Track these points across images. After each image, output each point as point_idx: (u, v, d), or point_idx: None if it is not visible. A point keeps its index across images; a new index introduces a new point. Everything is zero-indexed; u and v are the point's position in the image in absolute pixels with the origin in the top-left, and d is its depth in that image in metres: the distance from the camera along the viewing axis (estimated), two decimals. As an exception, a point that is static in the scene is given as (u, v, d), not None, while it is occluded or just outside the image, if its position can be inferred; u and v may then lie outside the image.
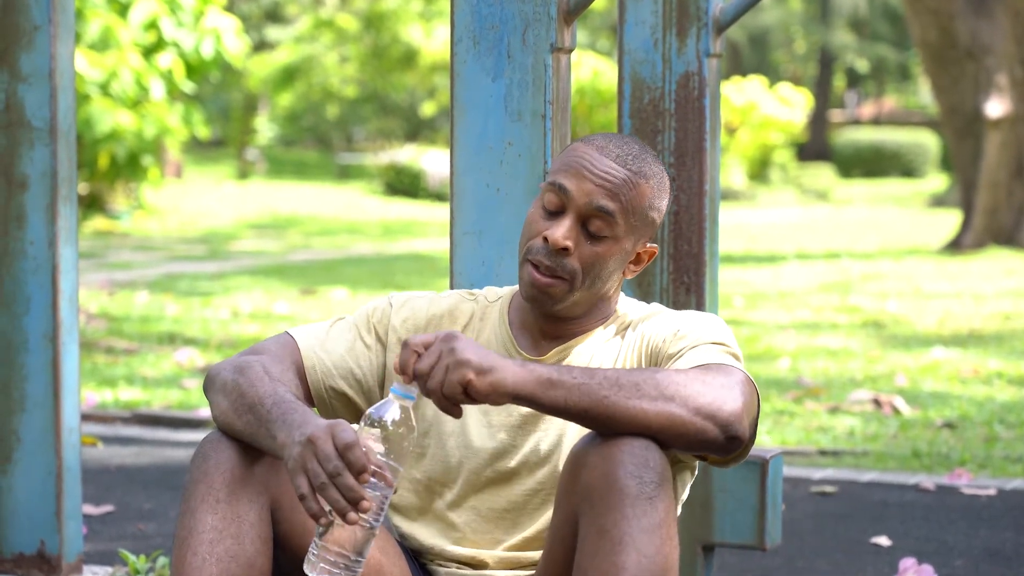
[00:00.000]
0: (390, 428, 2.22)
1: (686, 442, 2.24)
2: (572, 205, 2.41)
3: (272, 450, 2.27)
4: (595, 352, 2.50)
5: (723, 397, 2.24)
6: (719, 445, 2.25)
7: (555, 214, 2.43)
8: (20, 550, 3.68)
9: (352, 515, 2.15)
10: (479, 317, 2.57)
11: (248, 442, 2.33)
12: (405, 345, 2.22)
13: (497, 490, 2.48)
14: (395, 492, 2.25)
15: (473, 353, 2.19)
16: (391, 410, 2.22)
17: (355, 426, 2.23)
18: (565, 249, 2.41)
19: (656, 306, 2.55)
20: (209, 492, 2.32)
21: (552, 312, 2.47)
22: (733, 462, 2.37)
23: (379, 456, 2.20)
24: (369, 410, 2.24)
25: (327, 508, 2.17)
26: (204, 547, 2.30)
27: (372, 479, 2.17)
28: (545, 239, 2.41)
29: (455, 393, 2.19)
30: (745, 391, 2.28)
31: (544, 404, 2.21)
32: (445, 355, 2.19)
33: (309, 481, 2.15)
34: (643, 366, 2.45)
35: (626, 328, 2.52)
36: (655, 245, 2.52)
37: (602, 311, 2.52)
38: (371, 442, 2.20)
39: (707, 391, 2.24)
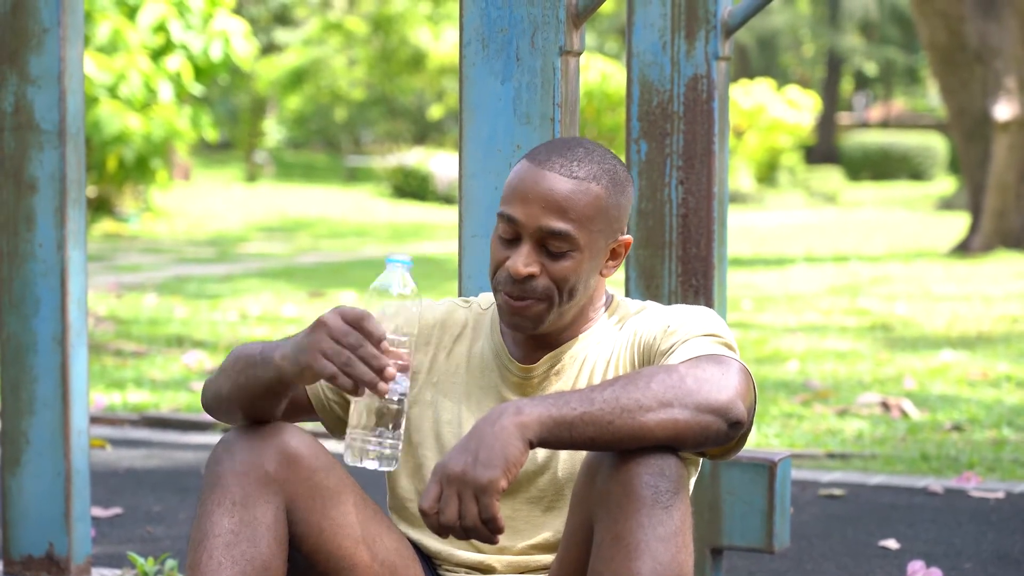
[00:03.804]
0: (395, 295, 2.23)
1: (694, 442, 2.24)
2: (525, 231, 2.39)
3: (276, 375, 2.29)
4: (588, 353, 2.49)
5: (718, 386, 2.24)
6: (724, 435, 2.25)
7: (512, 241, 2.41)
8: (29, 552, 3.68)
9: (383, 385, 2.17)
10: (472, 325, 2.56)
11: (253, 395, 2.35)
12: (424, 514, 2.19)
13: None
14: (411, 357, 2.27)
15: (477, 467, 2.15)
16: (392, 278, 2.24)
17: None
18: (530, 276, 2.39)
19: (646, 303, 2.55)
20: (225, 495, 2.32)
21: (539, 332, 2.46)
22: (732, 451, 2.37)
23: (390, 325, 2.22)
24: (372, 285, 2.26)
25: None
26: (220, 550, 2.30)
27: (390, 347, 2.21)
28: (516, 274, 2.40)
29: (493, 514, 2.16)
30: (739, 376, 2.28)
31: (551, 444, 2.21)
32: (461, 490, 2.16)
33: (332, 360, 2.18)
34: (636, 365, 2.44)
35: (617, 326, 2.51)
36: (628, 236, 2.49)
37: (588, 312, 2.51)
38: (379, 315, 2.23)
39: (702, 385, 2.23)
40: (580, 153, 2.42)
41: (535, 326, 2.43)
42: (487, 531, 2.17)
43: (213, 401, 2.45)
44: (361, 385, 2.18)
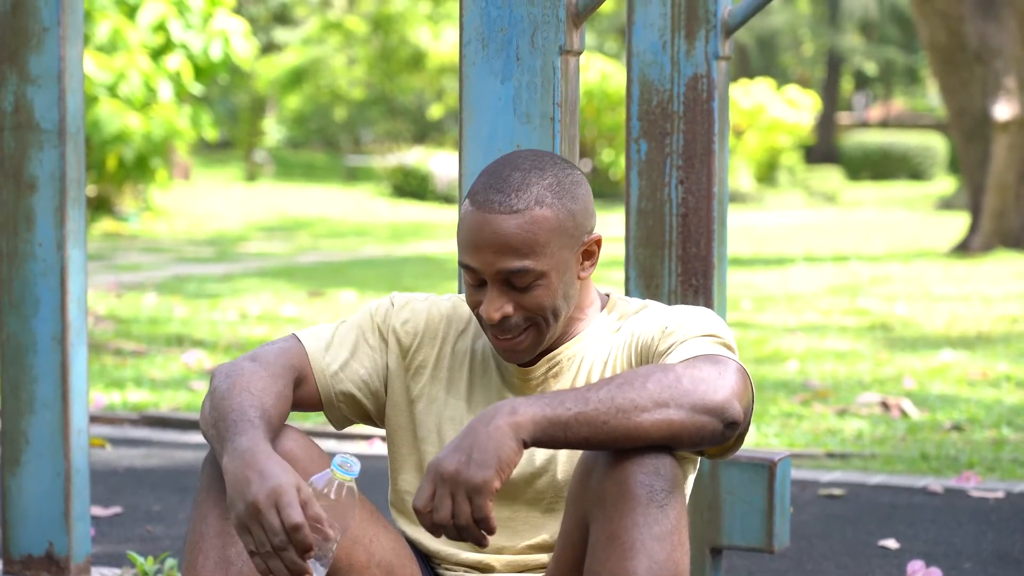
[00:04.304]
0: (332, 499, 2.21)
1: (690, 442, 2.24)
2: (487, 276, 2.38)
3: (222, 467, 2.27)
4: (585, 354, 2.49)
5: (714, 386, 2.23)
6: (720, 434, 2.24)
7: (480, 286, 2.41)
8: (28, 551, 3.68)
9: None
10: (475, 321, 2.57)
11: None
12: (418, 513, 2.19)
13: (498, 501, 2.47)
14: (332, 556, 2.23)
15: (471, 466, 2.15)
16: (334, 486, 2.21)
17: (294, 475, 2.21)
18: (505, 317, 2.39)
19: (647, 302, 2.54)
20: (221, 497, 2.32)
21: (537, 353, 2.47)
22: (730, 452, 2.36)
23: (323, 515, 2.18)
24: (313, 478, 2.23)
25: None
26: (216, 551, 2.31)
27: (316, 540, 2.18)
28: (491, 321, 2.40)
29: (486, 514, 2.16)
30: (736, 376, 2.27)
31: (545, 444, 2.20)
32: (454, 489, 2.16)
33: (255, 545, 2.16)
34: (633, 366, 2.43)
35: (614, 325, 2.50)
36: (596, 235, 2.46)
37: (584, 312, 2.50)
38: (318, 504, 2.19)
39: (697, 385, 2.22)
40: (516, 180, 2.38)
41: (531, 354, 2.44)
42: (479, 531, 2.17)
43: (204, 436, 2.44)
44: None
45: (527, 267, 2.36)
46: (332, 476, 2.21)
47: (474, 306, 2.42)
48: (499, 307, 2.38)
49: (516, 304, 2.38)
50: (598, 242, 2.46)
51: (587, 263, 2.46)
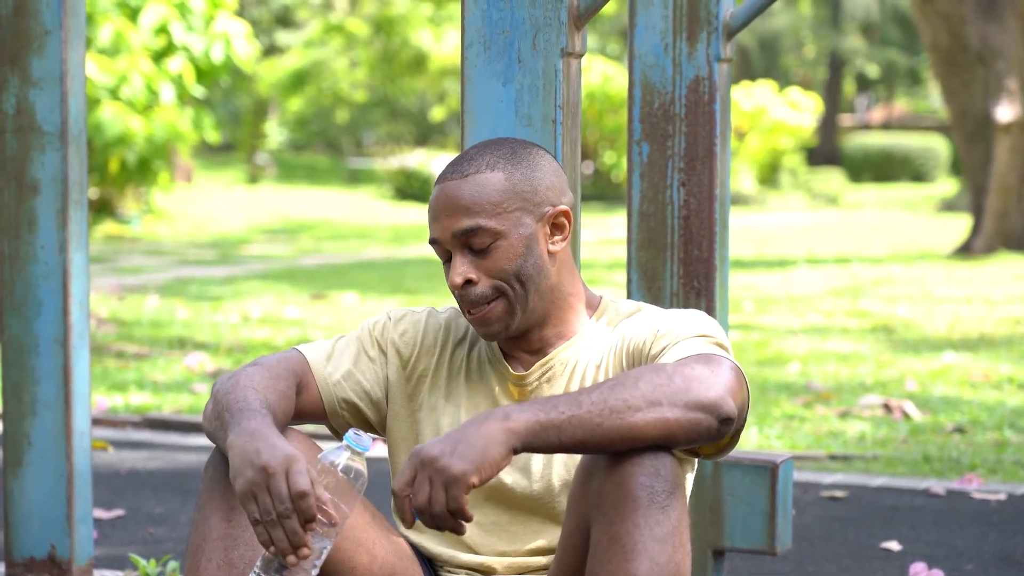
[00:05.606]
0: (340, 474, 2.21)
1: (685, 440, 2.24)
2: (448, 245, 2.43)
3: (224, 449, 2.27)
4: (578, 359, 2.49)
5: (707, 383, 2.23)
6: (715, 431, 2.24)
7: (448, 262, 2.45)
8: (31, 554, 3.68)
9: (291, 558, 2.16)
10: (474, 332, 2.58)
11: (217, 446, 2.35)
12: (395, 495, 2.19)
13: (496, 507, 2.48)
14: (337, 536, 2.24)
15: (453, 457, 2.15)
16: (344, 458, 2.21)
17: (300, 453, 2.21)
18: (469, 281, 2.42)
19: (640, 304, 2.54)
20: (223, 499, 2.33)
21: (517, 331, 2.47)
22: (725, 451, 2.36)
23: (327, 496, 2.19)
24: (322, 454, 2.23)
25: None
26: (218, 553, 2.31)
27: (319, 519, 2.18)
28: (454, 287, 2.43)
29: (460, 506, 2.15)
30: (729, 373, 2.27)
31: (540, 449, 2.20)
32: (432, 476, 2.16)
33: (258, 512, 2.17)
34: (624, 369, 2.43)
35: (607, 329, 2.51)
36: (563, 207, 2.47)
37: (572, 307, 2.51)
38: (321, 485, 2.20)
39: (691, 383, 2.22)
40: (471, 152, 2.46)
41: (506, 328, 2.45)
42: (454, 521, 2.17)
43: (207, 432, 2.45)
44: (277, 549, 2.17)
45: (479, 224, 2.40)
46: (343, 449, 2.22)
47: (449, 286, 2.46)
48: (461, 272, 2.42)
49: (479, 270, 2.42)
50: (566, 214, 2.48)
51: (557, 236, 2.48)
